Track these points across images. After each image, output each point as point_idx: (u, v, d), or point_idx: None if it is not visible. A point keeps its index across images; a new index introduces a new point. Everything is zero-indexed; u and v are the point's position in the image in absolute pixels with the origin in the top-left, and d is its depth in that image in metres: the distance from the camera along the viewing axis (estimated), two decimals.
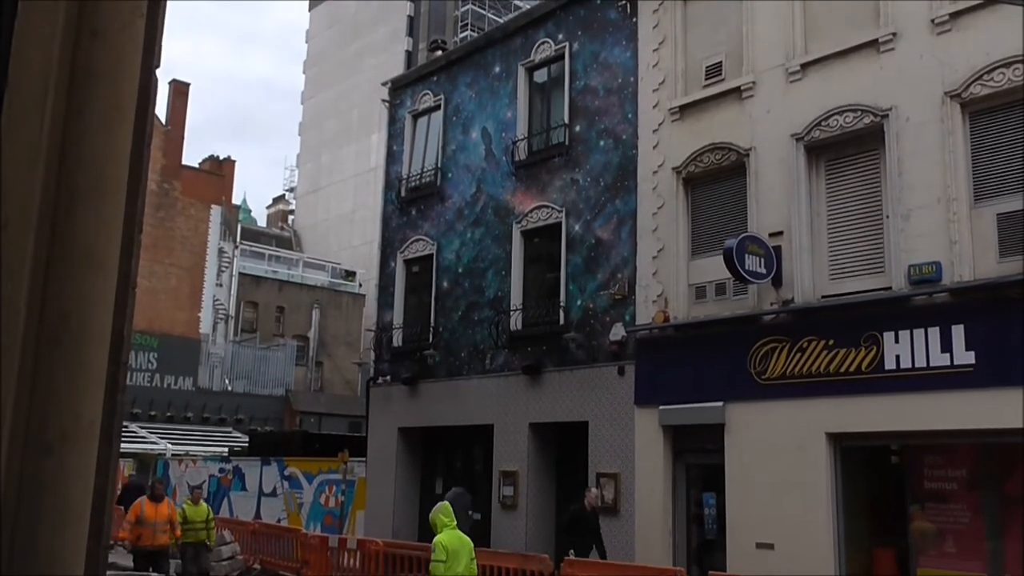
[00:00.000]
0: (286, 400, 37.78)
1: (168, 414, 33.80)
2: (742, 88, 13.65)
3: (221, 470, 24.40)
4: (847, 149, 12.49)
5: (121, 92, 1.57)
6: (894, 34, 11.96)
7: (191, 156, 33.59)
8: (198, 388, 35.34)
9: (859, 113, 12.18)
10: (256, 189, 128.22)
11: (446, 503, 9.59)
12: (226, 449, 28.94)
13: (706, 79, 14.34)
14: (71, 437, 1.46)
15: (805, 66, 12.92)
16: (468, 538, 9.46)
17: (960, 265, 10.99)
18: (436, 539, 9.10)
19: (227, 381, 37.31)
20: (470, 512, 16.31)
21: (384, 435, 19.35)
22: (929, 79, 11.56)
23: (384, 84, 22.32)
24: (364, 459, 19.95)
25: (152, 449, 29.68)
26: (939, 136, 11.39)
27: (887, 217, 11.80)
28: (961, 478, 11.11)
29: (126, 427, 29.38)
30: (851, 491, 11.89)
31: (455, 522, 9.34)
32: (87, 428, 1.50)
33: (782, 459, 12.15)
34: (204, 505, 14.83)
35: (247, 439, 28.92)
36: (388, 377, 19.62)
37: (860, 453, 12.05)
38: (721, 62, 14.18)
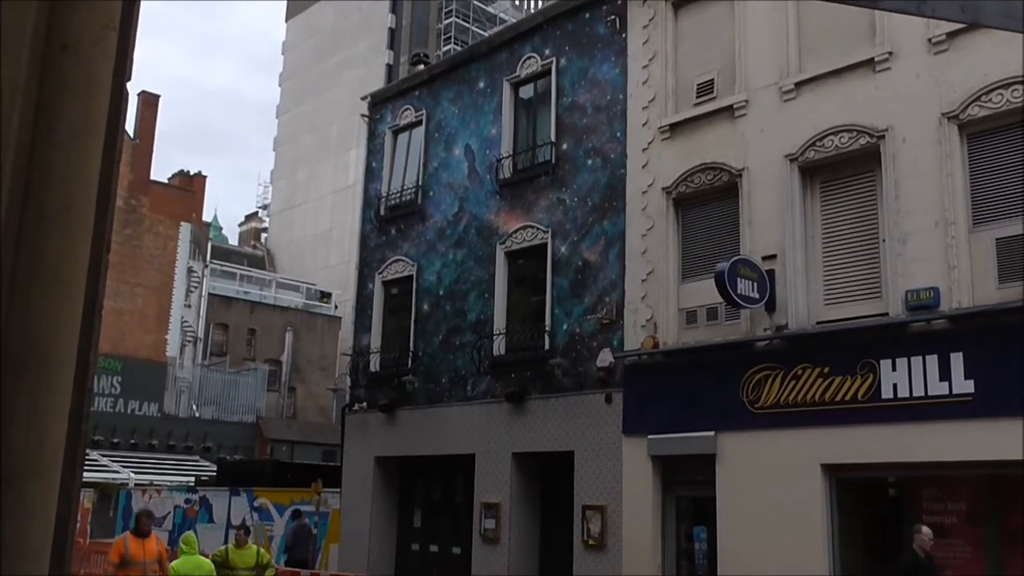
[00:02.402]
0: (257, 427, 37.49)
1: (132, 441, 33.46)
2: (734, 106, 13.78)
3: (187, 501, 24.15)
4: (842, 170, 12.60)
5: (92, 107, 1.58)
6: (890, 53, 12.12)
7: (155, 169, 33.63)
8: (164, 414, 35.02)
9: (855, 133, 12.32)
10: (224, 205, 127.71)
11: (188, 533, 11.49)
12: (193, 479, 28.66)
13: (697, 97, 14.47)
14: (34, 468, 1.45)
15: (799, 84, 13.06)
16: (208, 562, 11.18)
17: (959, 291, 11.08)
18: (171, 565, 10.90)
19: (195, 407, 37.01)
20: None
21: (360, 465, 19.23)
22: (926, 99, 11.71)
23: (364, 98, 22.37)
24: (338, 490, 19.79)
25: (114, 479, 29.35)
26: (936, 158, 11.52)
27: (884, 241, 11.90)
28: (961, 512, 11.14)
29: (87, 455, 29.05)
30: (847, 525, 11.90)
31: (194, 550, 11.04)
32: (50, 458, 1.49)
33: (776, 491, 12.15)
34: (253, 547, 12.40)
35: (215, 468, 28.65)
36: (364, 404, 19.52)
37: (856, 485, 12.08)
38: (713, 79, 14.31)
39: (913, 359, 11.26)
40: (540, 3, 49.96)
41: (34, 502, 1.46)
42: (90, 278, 1.59)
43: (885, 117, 12.05)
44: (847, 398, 11.72)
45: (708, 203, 14.14)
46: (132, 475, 29.91)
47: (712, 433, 13.04)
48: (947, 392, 10.92)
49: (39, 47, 1.53)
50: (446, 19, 49.49)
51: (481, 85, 18.69)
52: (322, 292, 46.74)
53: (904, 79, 12.00)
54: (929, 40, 11.79)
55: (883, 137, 12.02)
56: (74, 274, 1.52)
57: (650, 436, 13.83)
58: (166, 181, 38.84)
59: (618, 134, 15.59)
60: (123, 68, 1.73)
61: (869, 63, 12.34)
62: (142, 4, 1.79)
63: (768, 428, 12.44)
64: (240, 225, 62.05)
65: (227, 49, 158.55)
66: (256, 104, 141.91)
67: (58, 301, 1.49)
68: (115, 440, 32.93)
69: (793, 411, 12.23)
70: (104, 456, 31.40)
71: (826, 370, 11.98)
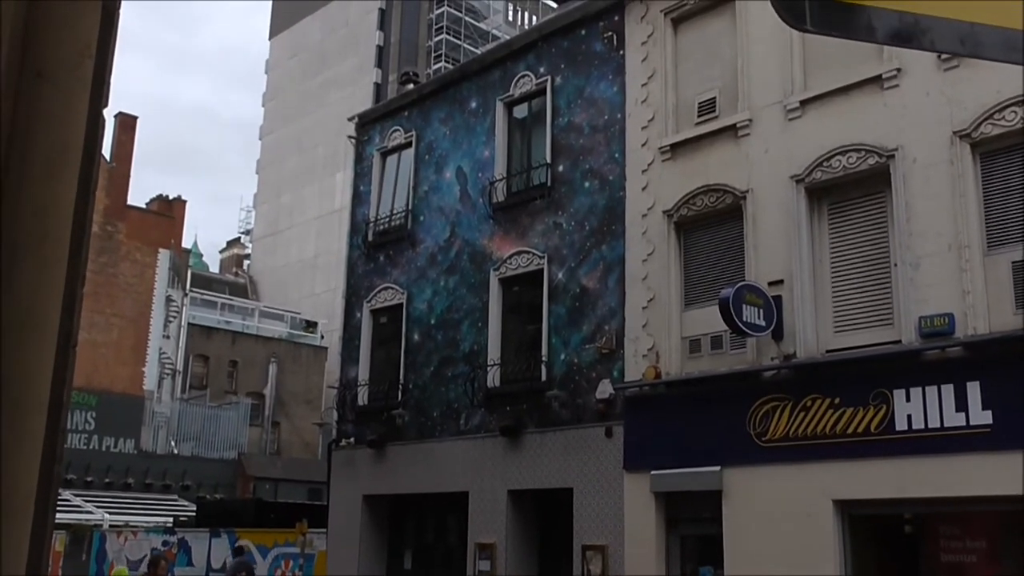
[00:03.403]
0: (238, 464, 37.29)
1: (107, 480, 33.26)
2: (738, 126, 13.87)
3: (165, 543, 23.97)
4: (851, 192, 12.67)
5: (67, 137, 1.59)
6: (899, 70, 12.22)
7: (130, 193, 33.53)
8: (140, 451, 34.85)
9: (863, 153, 12.39)
10: (205, 230, 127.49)
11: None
12: (171, 519, 28.47)
13: (699, 116, 14.56)
14: (5, 513, 1.45)
15: (805, 103, 13.16)
16: None
17: (974, 317, 11.11)
18: None
19: (173, 443, 36.84)
20: None
21: (347, 504, 19.12)
22: (937, 118, 11.80)
23: (351, 119, 22.47)
24: (324, 530, 19.66)
25: (87, 520, 29.15)
26: (948, 178, 11.59)
27: (895, 265, 11.94)
28: (981, 550, 11.10)
29: (59, 495, 28.85)
30: (861, 563, 11.85)
31: None
32: (22, 503, 1.49)
33: (786, 528, 12.11)
34: None
35: (194, 508, 28.46)
36: (352, 439, 19.44)
37: (870, 522, 12.04)
38: (715, 98, 14.41)
39: (928, 389, 11.26)
40: (535, 19, 50.38)
41: (6, 549, 1.46)
42: (64, 313, 1.60)
43: (894, 136, 12.13)
44: (859, 430, 11.71)
45: (711, 226, 14.18)
46: (106, 516, 29.70)
47: (718, 468, 13.00)
48: (964, 423, 10.91)
49: (13, 75, 1.55)
50: (436, 36, 49.86)
51: (473, 105, 18.79)
52: (307, 321, 46.70)
53: (914, 96, 12.09)
54: (939, 56, 11.90)
55: (892, 157, 12.09)
56: (47, 310, 1.53)
57: (653, 472, 13.79)
58: (144, 206, 38.90)
59: (616, 155, 15.67)
60: (100, 95, 1.75)
61: (877, 80, 12.44)
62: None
63: (776, 462, 12.41)
64: (221, 251, 62.11)
65: (201, 64, 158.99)
66: (234, 122, 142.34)
67: (30, 339, 1.50)
68: (89, 479, 32.73)
69: (803, 444, 12.21)
70: (77, 496, 31.19)
71: (837, 401, 11.97)
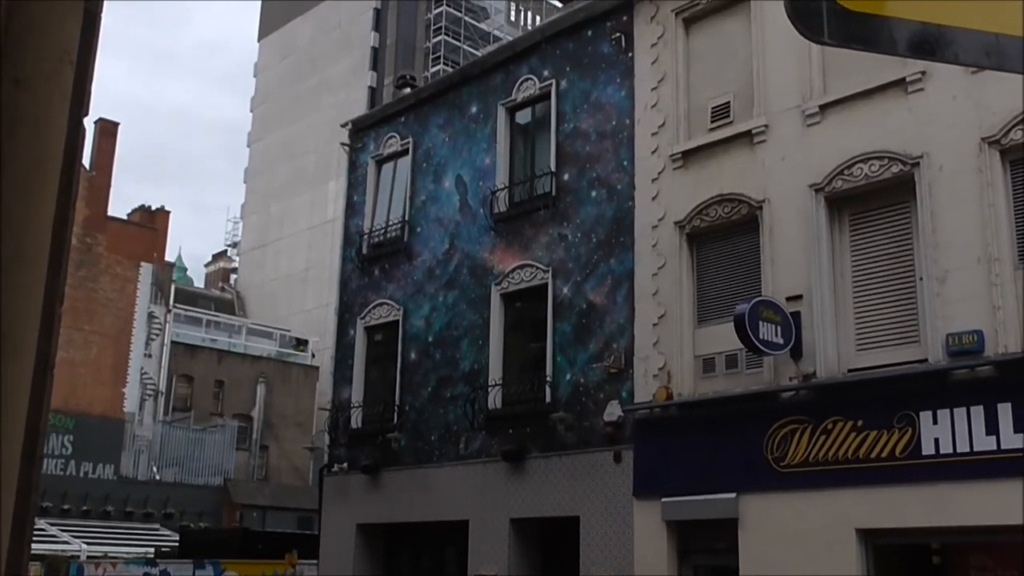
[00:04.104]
0: (224, 491, 37.21)
1: (84, 508, 33.18)
2: (753, 132, 13.89)
3: (146, 575, 23.88)
4: (873, 201, 12.68)
5: (46, 147, 1.60)
6: (923, 72, 12.25)
7: (111, 203, 33.65)
8: (120, 477, 34.77)
9: (886, 161, 12.41)
10: (189, 242, 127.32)
11: None
12: (152, 549, 28.37)
13: (712, 121, 14.59)
14: None
15: (824, 107, 13.19)
16: None
17: (1004, 334, 11.09)
18: None
19: (155, 469, 36.76)
20: None
21: (340, 533, 19.07)
22: (964, 123, 11.82)
23: (344, 125, 22.53)
24: (315, 562, 19.60)
25: (64, 551, 29.05)
26: (977, 187, 11.60)
27: (920, 279, 11.94)
28: None
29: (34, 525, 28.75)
30: None
31: None
32: None
33: (805, 559, 12.06)
34: None
35: (177, 538, 28.39)
36: (345, 464, 19.41)
37: (896, 552, 11.99)
38: (729, 102, 14.44)
39: (956, 411, 11.23)
40: (538, 20, 50.56)
41: None
42: (42, 334, 1.60)
43: (919, 143, 12.15)
44: (883, 455, 11.68)
45: (726, 238, 14.19)
46: (84, 546, 29.60)
47: (733, 495, 12.97)
48: (995, 447, 10.87)
49: None
50: (435, 37, 50.05)
51: (473, 110, 18.83)
52: (298, 339, 46.68)
53: (939, 101, 12.11)
54: None
55: (917, 164, 12.10)
56: (24, 331, 1.53)
57: (664, 499, 13.75)
58: (125, 217, 38.97)
59: (625, 163, 15.69)
60: (80, 102, 1.76)
61: (901, 84, 12.46)
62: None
63: (796, 489, 12.37)
64: (207, 265, 62.16)
65: (181, 66, 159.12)
66: (218, 127, 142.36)
67: (6, 361, 1.50)
68: (65, 507, 32.65)
69: (823, 470, 12.18)
70: (53, 525, 31.11)
71: (859, 424, 11.95)
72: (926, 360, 11.68)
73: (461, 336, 17.78)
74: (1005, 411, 10.89)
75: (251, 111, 56.66)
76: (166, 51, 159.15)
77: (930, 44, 1.99)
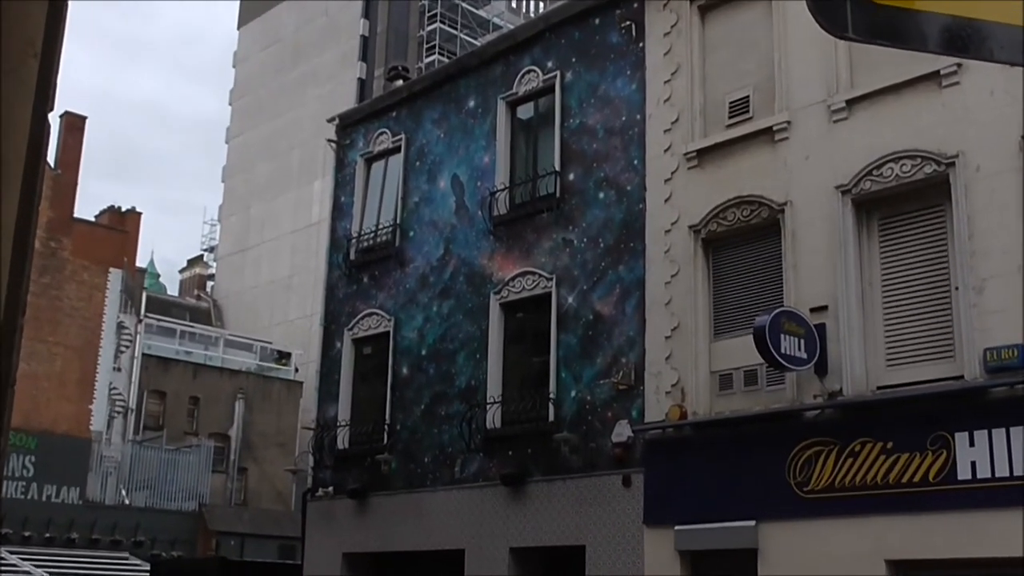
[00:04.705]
0: (199, 517, 37.12)
1: (47, 535, 33.09)
2: (774, 129, 13.91)
3: None
4: (905, 204, 12.69)
5: (9, 145, 1.60)
6: (959, 66, 12.26)
7: (77, 204, 33.56)
8: (87, 501, 34.69)
9: (919, 160, 12.42)
10: (162, 246, 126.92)
11: None
12: None
13: (730, 117, 14.61)
14: None
15: (851, 103, 13.20)
16: None
17: None
18: None
19: (124, 492, 36.69)
20: None
21: (325, 562, 19.04)
22: (1002, 120, 11.83)
23: (331, 120, 22.56)
24: None
25: None
26: (1016, 189, 11.60)
27: (956, 289, 11.94)
28: None
29: None
30: None
31: None
32: None
33: None
34: None
35: (148, 568, 28.32)
36: (331, 488, 19.39)
37: None
38: (748, 96, 14.46)
39: (995, 432, 11.22)
40: (541, 7, 50.65)
41: None
42: (2, 347, 1.60)
43: (955, 141, 12.16)
44: (916, 479, 11.66)
45: (744, 244, 14.20)
46: None
47: (752, 523, 12.95)
48: None
49: None
50: (429, 25, 50.09)
51: (471, 104, 18.86)
52: (280, 352, 46.62)
53: (976, 96, 12.13)
54: None
55: (953, 164, 12.12)
56: None
57: (677, 527, 13.74)
58: (92, 219, 38.97)
59: (635, 162, 15.71)
60: (45, 98, 1.76)
61: (934, 77, 12.48)
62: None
63: (820, 516, 12.35)
64: (181, 271, 62.15)
65: (153, 55, 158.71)
66: (193, 121, 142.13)
67: None
68: (27, 534, 32.56)
69: (850, 495, 12.16)
70: (13, 553, 31.05)
71: (889, 446, 11.93)
72: (962, 377, 11.67)
73: (457, 349, 17.78)
74: None
75: (230, 105, 56.69)
76: (136, 39, 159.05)
77: (963, 40, 1.99)
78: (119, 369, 37.68)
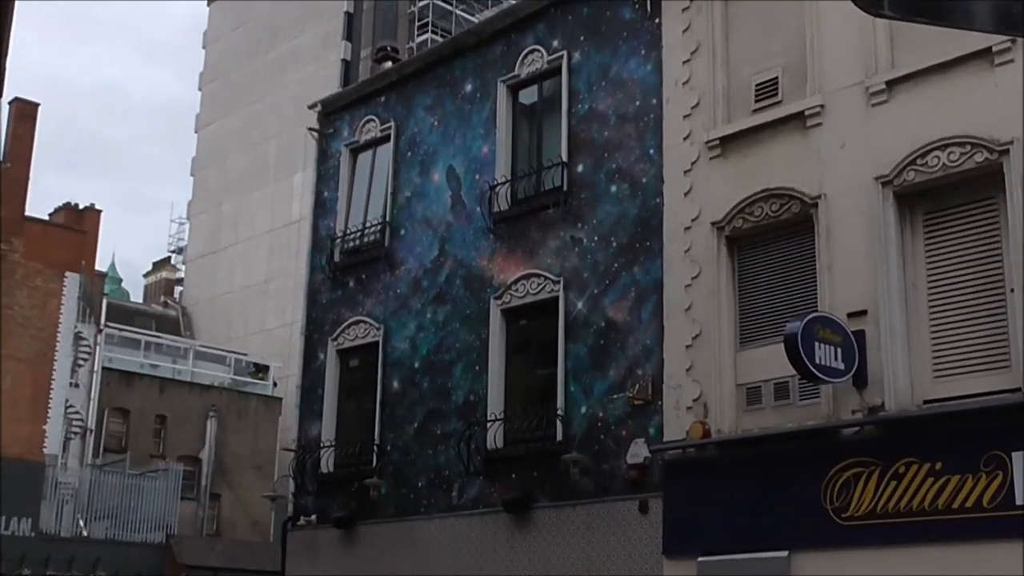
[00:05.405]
0: (167, 550, 37.12)
1: None
2: (806, 114, 13.90)
3: None
4: (953, 197, 12.67)
5: None
6: (1014, 42, 12.25)
7: (30, 201, 33.50)
8: (40, 533, 34.67)
9: (968, 148, 12.39)
10: (124, 248, 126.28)
11: None
12: None
13: (756, 101, 14.60)
14: None
15: (892, 84, 13.18)
16: None
17: None
18: None
19: (82, 523, 36.66)
20: None
21: None
22: None
23: (312, 107, 22.56)
24: None
25: None
26: None
27: (1011, 291, 11.92)
28: None
29: None
30: None
31: None
32: None
33: None
34: None
35: None
36: (313, 517, 19.38)
37: None
38: (777, 78, 14.45)
39: None
40: None
41: None
42: None
43: (1009, 125, 12.12)
44: (968, 504, 11.63)
45: (773, 242, 14.19)
46: None
47: (785, 553, 12.92)
48: None
49: None
50: (421, 1, 50.12)
51: (468, 88, 18.86)
52: (256, 365, 46.65)
53: None
54: None
55: (1007, 152, 12.09)
56: None
57: (700, 558, 13.71)
58: (46, 218, 38.97)
59: (651, 151, 15.71)
60: None
61: (986, 55, 12.46)
62: None
63: (860, 546, 12.33)
64: (146, 275, 62.19)
65: (110, 33, 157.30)
66: (158, 107, 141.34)
67: None
68: None
69: (894, 523, 12.13)
70: None
71: (938, 467, 11.90)
72: (1019, 390, 11.65)
73: (454, 361, 17.77)
74: None
75: (199, 89, 56.77)
76: (90, 15, 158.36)
77: (1017, 17, 1.96)
78: (76, 385, 37.65)
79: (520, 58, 18.04)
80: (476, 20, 33.35)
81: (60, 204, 40.56)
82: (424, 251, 18.82)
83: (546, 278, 16.65)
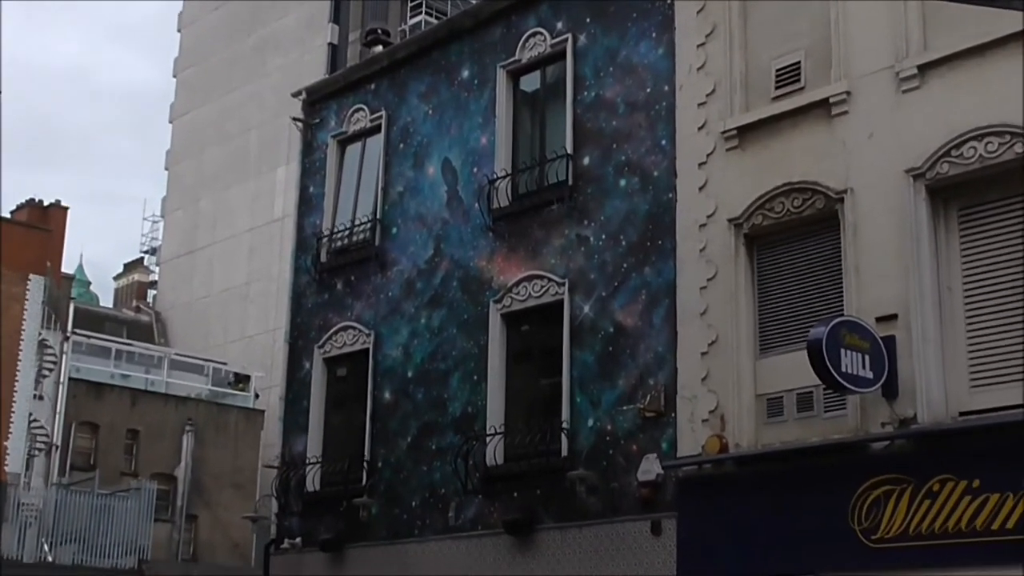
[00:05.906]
0: (139, 575, 37.15)
1: None
2: (831, 101, 13.89)
3: None
4: (990, 191, 12.65)
5: None
6: None
7: None
8: (1, 559, 34.70)
9: (1007, 138, 12.38)
10: (93, 248, 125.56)
11: None
12: None
13: (777, 88, 14.60)
14: None
15: (924, 68, 13.18)
16: None
17: None
18: None
19: (47, 547, 36.66)
20: None
21: None
22: None
23: (296, 95, 22.56)
24: None
25: None
26: None
27: None
28: None
29: None
30: None
31: None
32: None
33: None
34: None
35: None
36: (298, 539, 19.39)
37: None
38: (799, 63, 14.45)
39: None
40: None
41: None
42: None
43: None
44: (1008, 526, 11.62)
45: (796, 240, 14.18)
46: None
47: None
48: None
49: None
50: None
51: (465, 74, 18.87)
52: (236, 375, 46.66)
53: None
54: None
55: None
56: None
57: None
58: (8, 215, 39.01)
59: (663, 142, 15.71)
60: None
61: None
62: None
63: (891, 569, 12.31)
64: (116, 278, 62.31)
65: (75, 13, 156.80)
66: (128, 95, 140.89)
67: None
68: None
69: (928, 544, 12.12)
70: None
71: (975, 484, 11.89)
72: None
73: (451, 370, 17.78)
74: None
75: (174, 76, 56.81)
76: None
77: None
78: (40, 397, 37.68)
79: (521, 41, 18.04)
80: (473, 0, 33.33)
81: (22, 201, 40.59)
82: (418, 251, 18.82)
83: (550, 280, 16.65)
